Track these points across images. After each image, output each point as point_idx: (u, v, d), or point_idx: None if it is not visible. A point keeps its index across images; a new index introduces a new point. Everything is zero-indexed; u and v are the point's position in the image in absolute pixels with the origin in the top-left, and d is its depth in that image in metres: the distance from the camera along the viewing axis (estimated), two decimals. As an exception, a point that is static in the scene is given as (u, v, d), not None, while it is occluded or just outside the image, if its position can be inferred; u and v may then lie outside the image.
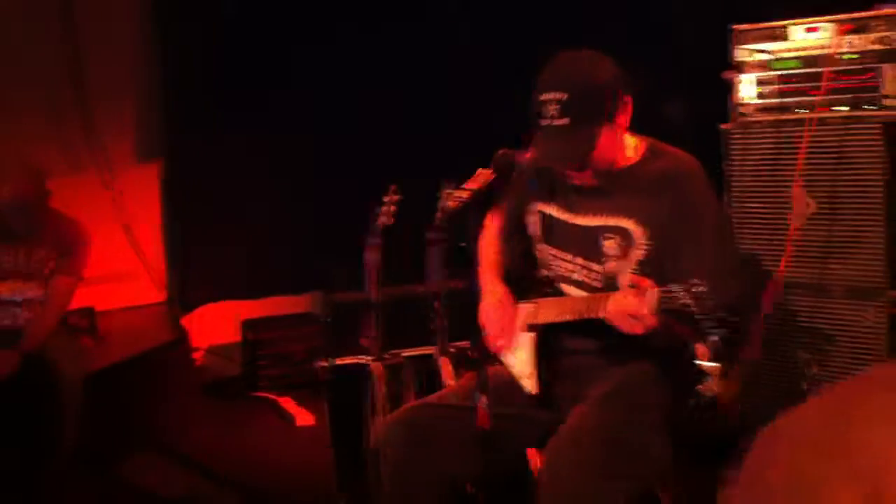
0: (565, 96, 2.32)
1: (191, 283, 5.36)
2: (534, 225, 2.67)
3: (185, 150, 5.23)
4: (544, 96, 2.36)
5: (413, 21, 5.11)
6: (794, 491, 0.55)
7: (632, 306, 2.17)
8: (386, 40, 5.09)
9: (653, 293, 2.11)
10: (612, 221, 2.48)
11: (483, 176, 2.44)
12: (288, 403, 4.84)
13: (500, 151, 2.39)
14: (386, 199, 3.46)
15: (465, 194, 2.38)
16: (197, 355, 5.22)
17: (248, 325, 5.28)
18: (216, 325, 5.36)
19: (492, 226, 2.87)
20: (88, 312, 4.63)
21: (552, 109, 2.34)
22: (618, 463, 2.29)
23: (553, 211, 2.62)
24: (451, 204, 2.62)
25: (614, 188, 2.48)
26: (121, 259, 5.13)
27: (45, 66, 4.92)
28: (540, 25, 4.73)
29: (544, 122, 2.36)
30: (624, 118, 2.43)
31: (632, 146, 2.51)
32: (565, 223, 2.58)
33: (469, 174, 2.54)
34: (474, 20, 5.04)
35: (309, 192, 5.25)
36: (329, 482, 3.59)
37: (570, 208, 2.57)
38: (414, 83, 5.09)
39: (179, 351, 4.72)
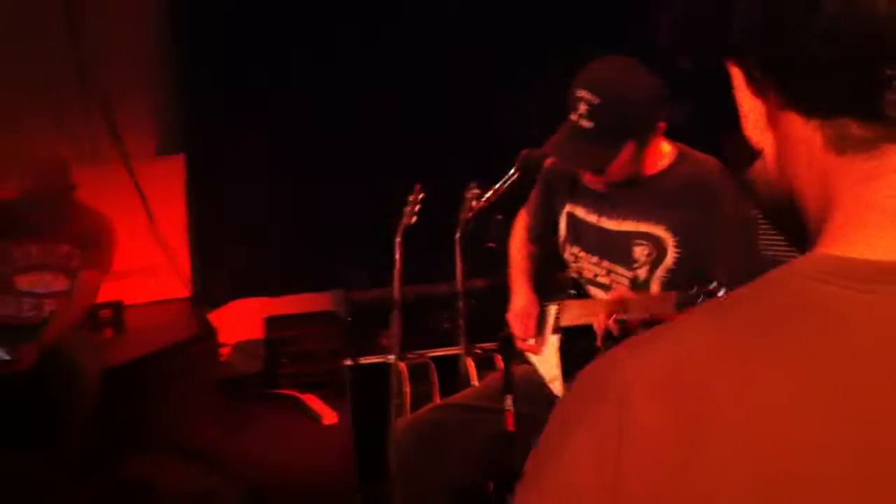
0: (598, 100, 2.26)
1: (216, 279, 5.38)
2: (562, 226, 2.67)
3: (208, 145, 5.25)
4: (579, 92, 2.30)
5: (445, 19, 5.11)
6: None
7: (654, 307, 2.17)
8: (415, 37, 5.10)
9: (671, 295, 2.10)
10: (643, 227, 2.45)
11: (508, 177, 2.44)
12: (313, 401, 4.85)
13: (525, 151, 2.38)
14: (410, 198, 3.46)
15: (490, 195, 2.38)
16: (223, 351, 5.25)
17: (272, 322, 5.30)
18: (242, 322, 5.38)
19: (520, 226, 2.86)
20: (116, 306, 4.65)
21: (582, 108, 2.28)
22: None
23: (580, 212, 2.61)
24: (476, 204, 2.62)
25: (645, 194, 2.46)
26: (146, 254, 5.15)
27: (66, 62, 4.95)
28: (578, 22, 4.73)
29: (572, 117, 2.31)
30: (654, 140, 2.39)
31: (665, 152, 2.48)
32: (593, 226, 2.57)
33: (496, 174, 2.55)
34: (507, 18, 5.04)
35: (333, 189, 5.25)
36: (350, 481, 3.60)
37: (598, 211, 2.56)
38: (442, 82, 5.09)
39: (205, 346, 4.73)
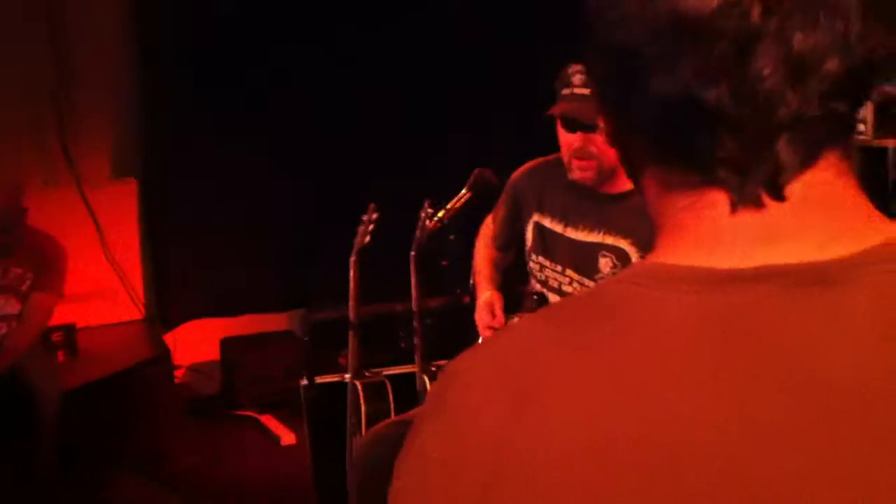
0: None
1: (170, 300, 5.35)
2: (529, 236, 2.71)
3: (161, 168, 5.24)
4: (572, 68, 2.42)
5: (392, 35, 5.15)
6: None
7: None
8: (363, 58, 5.14)
9: None
10: (609, 240, 2.51)
11: (461, 196, 2.48)
12: (270, 422, 4.83)
13: (477, 171, 2.43)
14: (364, 217, 3.47)
15: (443, 214, 2.41)
16: (178, 373, 5.21)
17: (227, 344, 5.28)
18: (196, 343, 5.35)
19: (484, 236, 2.92)
20: (69, 329, 4.61)
21: (577, 80, 2.40)
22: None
23: (546, 222, 2.66)
24: (430, 223, 2.66)
25: (613, 208, 2.52)
26: (98, 276, 5.11)
27: (24, 79, 4.92)
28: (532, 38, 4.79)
29: (566, 91, 2.41)
30: None
31: None
32: (560, 235, 2.61)
33: (449, 194, 2.59)
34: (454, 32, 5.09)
35: (288, 209, 5.27)
36: (309, 501, 3.60)
37: (565, 221, 2.61)
38: (397, 99, 5.13)
39: (160, 368, 4.70)
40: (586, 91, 2.39)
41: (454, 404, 0.66)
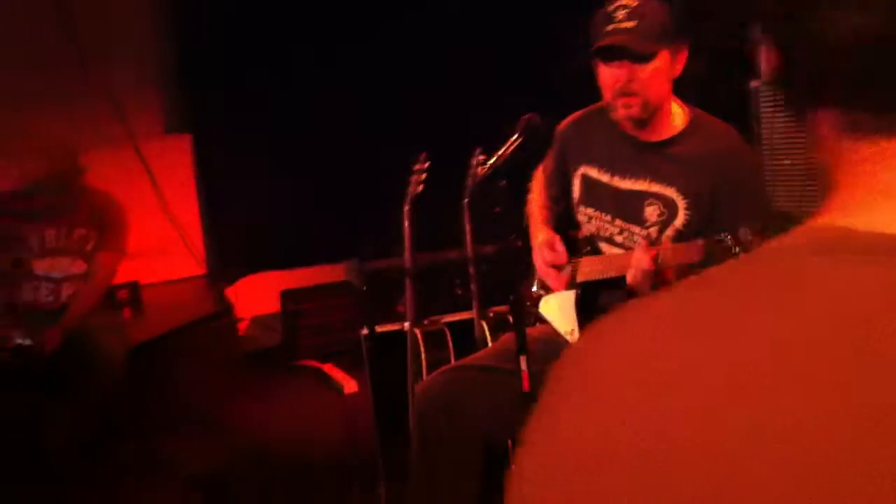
0: (635, 3, 2.36)
1: (229, 255, 5.42)
2: (575, 187, 2.70)
3: (215, 121, 5.27)
4: (614, 4, 2.38)
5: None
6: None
7: (678, 252, 2.20)
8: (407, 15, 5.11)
9: (698, 243, 2.14)
10: (654, 188, 2.50)
11: (511, 142, 2.47)
12: (332, 371, 4.90)
13: (526, 116, 2.41)
14: (416, 166, 3.48)
15: (494, 161, 2.41)
16: (240, 326, 5.30)
17: (287, 295, 5.35)
18: (257, 296, 5.43)
19: (536, 186, 2.91)
20: (133, 286, 4.70)
21: (621, 14, 2.37)
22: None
23: (593, 173, 2.65)
24: (481, 171, 2.65)
25: (659, 155, 2.50)
26: (158, 233, 5.19)
27: (68, 45, 4.97)
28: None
29: (610, 27, 2.37)
30: (678, 63, 2.44)
31: (679, 113, 2.52)
32: (607, 185, 2.61)
33: (499, 141, 2.57)
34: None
35: (342, 160, 5.28)
36: (372, 448, 3.65)
37: (611, 171, 2.60)
38: (446, 47, 5.10)
39: (223, 322, 4.78)
40: (631, 24, 2.36)
41: (585, 416, 0.57)
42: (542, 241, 2.75)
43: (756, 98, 3.56)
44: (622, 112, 2.46)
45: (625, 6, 2.38)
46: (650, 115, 2.47)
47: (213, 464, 3.86)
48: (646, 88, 2.41)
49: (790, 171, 3.51)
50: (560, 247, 2.72)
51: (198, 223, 5.45)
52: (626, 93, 2.43)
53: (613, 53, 2.40)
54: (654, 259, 2.24)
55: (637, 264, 2.27)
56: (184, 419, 4.20)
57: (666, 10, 2.42)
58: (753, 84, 3.57)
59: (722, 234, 2.09)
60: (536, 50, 4.82)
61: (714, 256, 2.13)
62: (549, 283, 2.74)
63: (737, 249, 2.05)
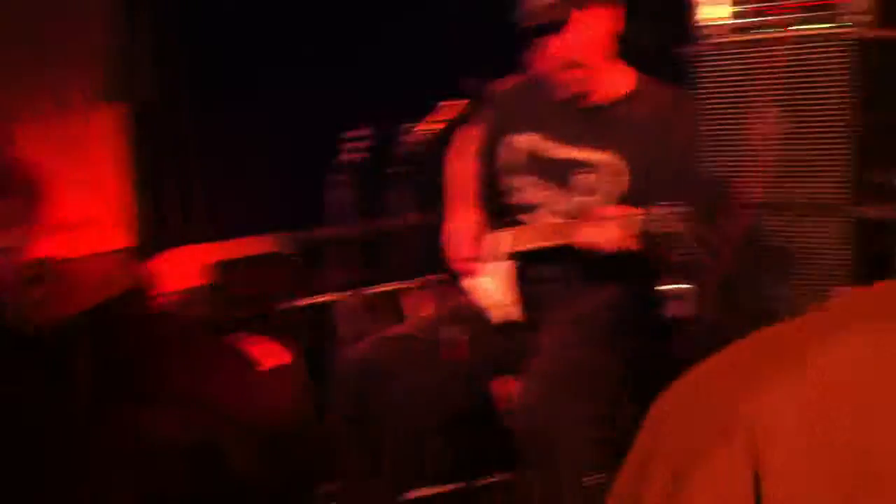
0: None
1: (159, 227, 5.32)
2: (510, 154, 2.66)
3: (149, 91, 5.14)
4: None
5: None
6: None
7: (611, 229, 2.18)
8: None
9: (635, 214, 2.11)
10: (595, 155, 2.47)
11: (449, 108, 2.43)
12: (262, 343, 4.83)
13: (462, 80, 2.37)
14: (352, 135, 3.42)
15: (432, 127, 2.36)
16: (170, 299, 5.20)
17: (217, 268, 5.25)
18: (184, 270, 5.33)
19: (465, 151, 2.86)
20: (60, 260, 4.57)
21: None
22: (589, 387, 2.31)
23: (533, 141, 2.61)
24: (416, 138, 2.61)
25: (600, 121, 2.47)
26: (87, 205, 5.06)
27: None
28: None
29: (526, 5, 2.37)
30: (608, 21, 2.40)
31: (624, 77, 2.50)
32: (545, 153, 2.57)
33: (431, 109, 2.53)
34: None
35: (272, 130, 5.21)
36: (306, 419, 3.61)
37: (553, 138, 2.56)
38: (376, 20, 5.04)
39: (149, 297, 4.68)
40: None
41: (748, 470, 0.49)
42: (463, 226, 2.68)
43: (690, 63, 3.55)
44: (563, 91, 2.44)
45: None
46: (591, 83, 2.44)
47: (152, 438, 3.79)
48: (579, 54, 2.38)
49: (721, 136, 3.52)
50: (471, 242, 2.65)
51: (129, 195, 5.32)
52: (563, 66, 2.40)
53: (533, 33, 2.37)
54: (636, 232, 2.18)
55: (612, 240, 2.21)
56: (110, 394, 4.11)
57: None
58: (686, 49, 3.57)
59: (655, 208, 2.07)
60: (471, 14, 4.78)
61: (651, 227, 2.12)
62: (462, 273, 2.68)
63: (670, 223, 2.03)
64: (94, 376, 3.93)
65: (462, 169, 2.85)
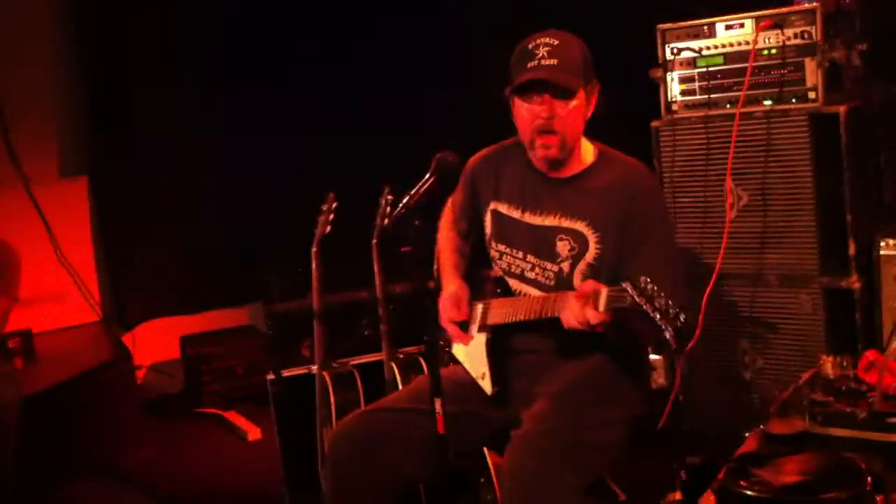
0: (556, 42, 2.42)
1: (127, 300, 5.28)
2: (490, 222, 2.70)
3: (111, 164, 5.15)
4: (535, 42, 2.44)
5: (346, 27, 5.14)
6: None
7: (582, 307, 2.20)
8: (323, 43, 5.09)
9: (603, 292, 2.15)
10: (565, 223, 2.52)
11: (424, 181, 2.46)
12: (235, 418, 4.78)
13: (438, 154, 2.41)
14: (324, 206, 3.45)
15: (406, 200, 2.39)
16: (139, 373, 5.14)
17: (188, 341, 5.22)
18: (157, 343, 5.29)
19: (446, 222, 2.90)
20: (25, 335, 4.52)
21: (542, 51, 2.42)
22: (575, 460, 2.33)
23: (503, 209, 2.66)
24: (392, 210, 2.64)
25: (569, 190, 2.53)
26: (52, 279, 5.03)
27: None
28: (469, 31, 4.78)
29: (531, 63, 2.42)
30: (592, 103, 2.49)
31: (587, 149, 2.57)
32: (518, 221, 2.62)
33: (410, 179, 2.57)
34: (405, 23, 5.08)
35: (244, 201, 5.22)
36: (280, 496, 3.57)
37: (522, 206, 2.62)
38: (351, 86, 5.11)
39: (120, 370, 4.62)
40: (553, 61, 2.40)
41: None
42: (449, 294, 2.73)
43: (656, 137, 3.65)
44: (541, 152, 2.49)
45: (547, 44, 2.43)
46: (566, 154, 2.50)
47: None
48: (565, 126, 2.45)
49: (688, 208, 3.60)
50: (465, 305, 2.70)
51: (93, 268, 5.29)
52: (545, 130, 2.46)
53: (535, 89, 2.43)
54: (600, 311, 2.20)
55: (581, 320, 2.23)
56: (84, 470, 4.04)
57: (584, 50, 2.49)
58: (654, 124, 3.67)
59: (623, 284, 2.11)
60: (450, 88, 4.87)
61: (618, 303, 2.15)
62: (452, 338, 2.73)
63: (637, 298, 2.07)
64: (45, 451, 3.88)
65: (442, 239, 2.90)
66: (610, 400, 2.50)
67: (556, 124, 2.44)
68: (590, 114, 2.52)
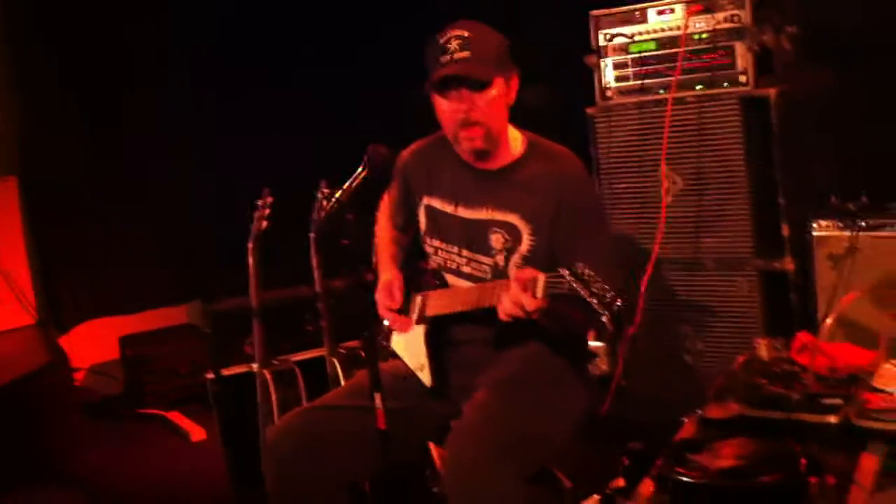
0: (468, 34, 2.40)
1: (63, 302, 5.18)
2: (424, 216, 2.69)
3: (41, 162, 5.03)
4: (447, 35, 2.42)
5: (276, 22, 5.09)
6: None
7: (519, 294, 2.20)
8: (257, 43, 5.05)
9: (541, 278, 2.15)
10: (498, 216, 2.52)
11: (357, 174, 2.44)
12: (178, 419, 4.72)
13: (371, 147, 2.39)
14: (260, 202, 3.41)
15: (341, 194, 2.37)
16: (77, 376, 5.05)
17: (127, 341, 5.14)
18: (95, 344, 5.20)
19: (383, 215, 2.90)
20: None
21: (454, 44, 2.40)
22: (518, 449, 2.33)
23: (436, 203, 2.65)
24: (327, 204, 2.62)
25: (499, 182, 2.53)
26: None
27: None
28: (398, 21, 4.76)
29: (445, 58, 2.40)
30: (512, 91, 2.48)
31: (516, 140, 2.56)
32: (451, 216, 2.61)
33: (345, 173, 2.55)
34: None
35: (180, 198, 5.16)
36: (226, 496, 3.54)
37: (455, 201, 2.61)
38: (288, 81, 5.07)
39: (58, 373, 4.53)
40: (466, 54, 2.38)
41: None
42: (382, 283, 2.73)
43: (591, 123, 3.66)
44: (466, 145, 2.48)
45: (458, 36, 2.41)
46: (493, 144, 2.50)
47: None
48: (486, 117, 2.44)
49: (624, 194, 3.62)
50: (398, 291, 2.70)
51: (27, 270, 5.17)
52: (467, 123, 2.45)
53: (451, 84, 2.42)
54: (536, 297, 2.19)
55: (518, 305, 2.22)
56: (25, 476, 3.96)
57: (498, 39, 2.47)
58: (589, 111, 3.68)
59: (560, 270, 2.11)
60: (381, 79, 4.84)
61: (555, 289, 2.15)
62: (390, 325, 2.73)
63: (574, 284, 2.07)
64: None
65: (379, 231, 2.89)
66: (549, 388, 2.51)
67: (476, 115, 2.43)
68: (511, 100, 2.51)
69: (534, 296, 2.16)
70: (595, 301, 2.05)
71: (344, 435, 2.48)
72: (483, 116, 2.44)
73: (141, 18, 5.04)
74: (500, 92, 2.44)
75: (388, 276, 2.75)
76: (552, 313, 2.24)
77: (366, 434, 2.32)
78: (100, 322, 5.23)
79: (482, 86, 2.41)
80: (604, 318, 2.08)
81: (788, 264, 3.34)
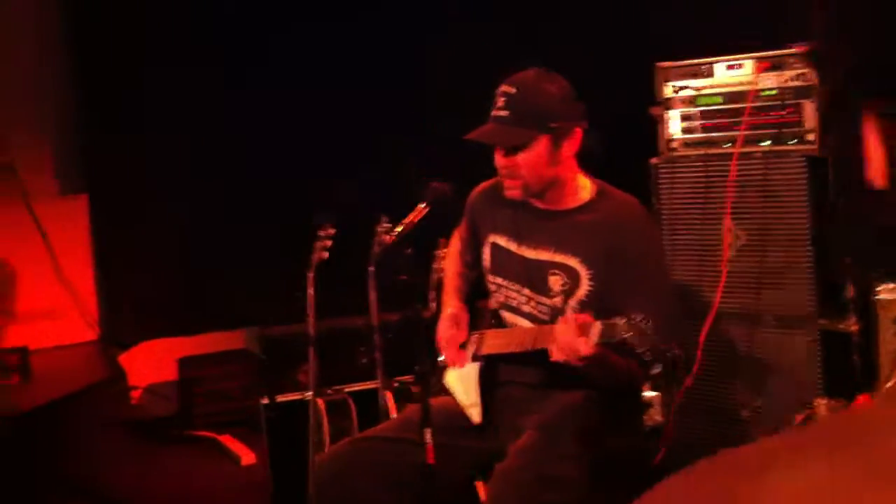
0: (514, 91, 2.45)
1: (124, 320, 5.27)
2: (488, 255, 2.72)
3: (111, 183, 5.16)
4: (500, 89, 2.48)
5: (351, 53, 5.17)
6: None
7: (573, 338, 2.20)
8: (310, 75, 5.14)
9: (595, 325, 2.15)
10: (558, 258, 2.53)
11: (418, 210, 2.49)
12: (229, 441, 4.76)
13: (431, 184, 2.43)
14: (321, 233, 3.46)
15: (401, 228, 2.42)
16: (134, 394, 5.12)
17: (184, 363, 5.21)
18: (152, 364, 5.27)
19: (454, 248, 2.94)
20: (22, 351, 4.52)
21: (500, 101, 2.46)
22: (559, 497, 2.32)
23: (501, 241, 2.67)
24: (387, 238, 2.66)
25: (563, 225, 2.54)
26: (50, 296, 5.02)
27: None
28: (467, 64, 4.80)
29: (493, 113, 2.48)
30: (569, 145, 2.49)
31: (585, 188, 2.58)
32: (513, 254, 2.63)
33: (407, 208, 2.59)
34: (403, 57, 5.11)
35: (243, 225, 5.22)
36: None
37: (518, 239, 2.63)
38: (348, 119, 5.13)
39: (115, 390, 4.61)
40: (505, 113, 2.42)
41: None
42: (448, 314, 2.76)
43: (655, 174, 3.66)
44: (507, 193, 2.54)
45: (505, 92, 2.47)
46: (536, 194, 2.53)
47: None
48: (524, 173, 2.48)
49: (686, 246, 3.60)
50: (463, 324, 2.72)
51: (92, 287, 5.29)
52: (507, 175, 2.50)
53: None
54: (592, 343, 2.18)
55: (572, 348, 2.21)
56: (75, 489, 4.02)
57: (548, 95, 2.48)
58: (653, 161, 3.68)
59: (616, 320, 2.11)
60: (445, 118, 4.88)
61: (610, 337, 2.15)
62: (447, 358, 2.74)
63: (627, 335, 2.07)
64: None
65: (448, 265, 2.93)
66: (595, 436, 2.50)
67: (514, 171, 2.48)
68: (568, 153, 2.51)
69: (587, 342, 2.16)
70: (648, 353, 2.05)
71: (389, 466, 2.50)
72: (520, 172, 2.47)
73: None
74: (542, 149, 2.46)
75: (453, 308, 2.77)
76: (602, 361, 2.23)
77: (411, 468, 2.33)
78: (159, 342, 5.30)
79: (514, 149, 2.45)
80: (656, 371, 2.08)
81: (853, 325, 3.28)
